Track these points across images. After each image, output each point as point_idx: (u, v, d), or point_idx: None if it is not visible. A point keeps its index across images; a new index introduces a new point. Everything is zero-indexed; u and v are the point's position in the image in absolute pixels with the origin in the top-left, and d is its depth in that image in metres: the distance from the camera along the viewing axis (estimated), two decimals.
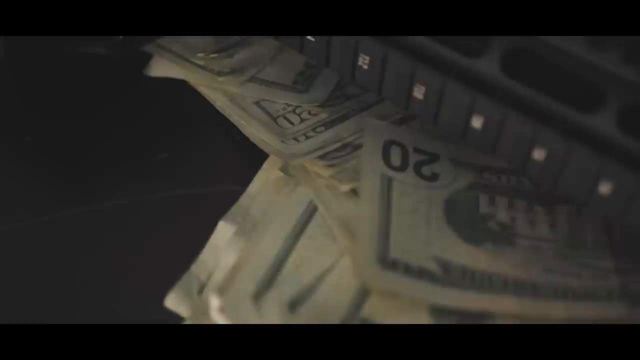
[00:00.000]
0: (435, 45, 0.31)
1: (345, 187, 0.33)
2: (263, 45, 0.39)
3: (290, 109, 0.37)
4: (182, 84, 0.38)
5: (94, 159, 0.36)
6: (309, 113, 0.37)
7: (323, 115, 0.36)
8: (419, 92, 0.32)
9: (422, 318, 0.29)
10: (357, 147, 0.35)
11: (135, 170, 0.35)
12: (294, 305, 0.30)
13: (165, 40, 0.39)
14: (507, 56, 0.30)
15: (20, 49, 0.35)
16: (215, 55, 0.38)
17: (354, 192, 0.33)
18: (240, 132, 0.36)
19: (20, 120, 0.37)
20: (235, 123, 0.36)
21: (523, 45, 0.30)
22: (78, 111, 0.37)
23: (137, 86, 0.38)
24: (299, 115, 0.36)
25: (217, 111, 0.37)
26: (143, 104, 0.38)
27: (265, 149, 0.35)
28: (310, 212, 0.33)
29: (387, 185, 0.33)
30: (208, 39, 0.39)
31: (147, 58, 0.39)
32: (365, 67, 0.33)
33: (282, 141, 0.35)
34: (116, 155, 0.36)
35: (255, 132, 0.36)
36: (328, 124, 0.36)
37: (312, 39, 0.34)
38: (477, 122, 0.31)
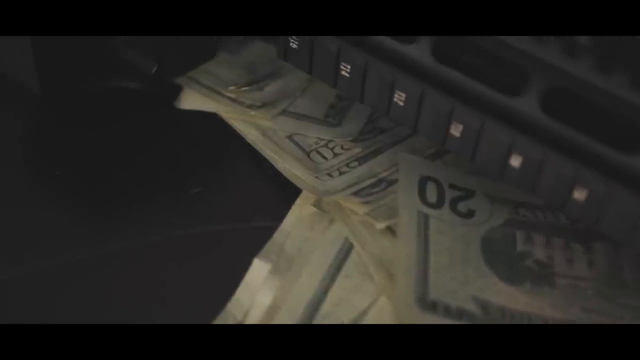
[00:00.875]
0: (474, 84, 0.31)
1: (381, 225, 0.33)
2: (294, 78, 0.39)
3: (322, 143, 0.37)
4: (212, 117, 0.38)
5: (125, 193, 0.36)
6: (342, 147, 0.37)
7: (356, 150, 0.36)
8: (456, 130, 0.32)
9: None
10: (392, 182, 0.35)
11: (167, 205, 0.35)
12: None
13: (196, 73, 0.39)
14: (547, 95, 0.30)
15: (53, 84, 0.35)
16: (247, 88, 0.39)
17: (390, 229, 0.33)
18: (272, 166, 0.36)
19: (51, 155, 0.37)
20: (267, 157, 0.36)
21: (563, 84, 0.30)
22: (109, 145, 0.37)
23: (167, 119, 0.38)
24: (331, 149, 0.37)
25: (249, 144, 0.37)
26: (174, 137, 0.38)
27: (299, 185, 0.35)
28: (346, 251, 0.33)
29: (424, 223, 0.33)
30: (239, 72, 0.39)
31: (177, 90, 0.39)
32: (401, 103, 0.33)
33: (315, 177, 0.35)
34: (148, 189, 0.36)
35: (288, 167, 0.36)
36: (361, 159, 0.36)
37: (347, 75, 0.34)
38: (515, 162, 0.31)
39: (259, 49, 0.40)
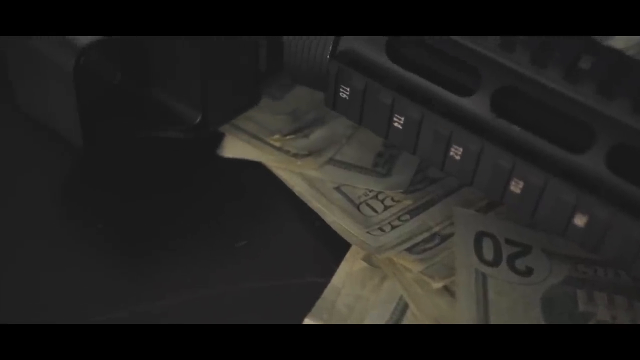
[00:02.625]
0: (537, 140, 0.30)
1: (437, 285, 0.32)
2: (339, 124, 0.39)
3: (372, 194, 0.36)
4: (256, 166, 0.38)
5: (169, 247, 0.35)
6: (393, 199, 0.36)
7: (407, 202, 0.36)
8: (516, 187, 0.31)
9: None
10: (446, 237, 0.34)
11: (212, 260, 0.35)
12: None
13: (239, 120, 0.38)
14: (613, 152, 0.29)
15: (95, 136, 0.35)
16: (292, 136, 0.38)
17: (447, 289, 0.32)
18: (319, 218, 0.36)
19: (92, 207, 0.36)
20: (315, 210, 0.36)
21: (630, 141, 0.29)
22: (151, 196, 0.37)
23: (210, 168, 0.38)
24: (381, 201, 0.36)
25: (295, 195, 0.36)
26: (217, 187, 0.37)
27: (349, 239, 0.35)
28: (401, 310, 0.32)
29: (482, 283, 0.32)
30: (283, 118, 0.39)
31: (220, 138, 0.38)
32: (458, 157, 0.32)
33: (367, 232, 0.34)
34: (192, 242, 0.35)
35: (338, 220, 0.35)
36: (413, 212, 0.35)
37: (400, 127, 0.33)
38: (580, 221, 0.30)
39: (302, 94, 0.40)
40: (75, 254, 0.35)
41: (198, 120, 0.36)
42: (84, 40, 0.31)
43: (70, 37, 0.31)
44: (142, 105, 0.36)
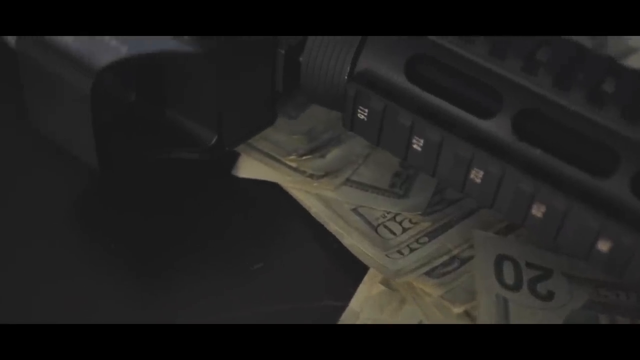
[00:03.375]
0: (559, 164, 0.30)
1: (458, 310, 0.32)
2: (356, 143, 0.38)
3: (390, 216, 0.36)
4: (272, 186, 0.37)
5: (183, 269, 0.35)
6: (410, 221, 0.36)
7: (425, 225, 0.35)
8: (538, 211, 0.31)
9: None
10: (465, 260, 0.34)
11: (228, 282, 0.35)
12: None
13: (254, 139, 0.38)
14: (638, 177, 0.29)
15: (111, 159, 0.34)
16: (308, 156, 0.38)
17: (467, 313, 0.32)
18: (336, 240, 0.35)
19: (106, 227, 0.36)
20: (332, 232, 0.35)
21: None
22: (165, 217, 0.37)
23: (225, 189, 0.38)
24: (400, 223, 0.36)
25: (311, 216, 0.36)
26: (232, 208, 0.37)
27: (367, 263, 0.34)
28: None
29: (503, 308, 0.32)
30: (299, 138, 0.38)
31: (235, 157, 0.38)
32: (478, 180, 0.32)
33: (385, 255, 0.34)
34: (206, 264, 0.35)
35: (356, 243, 0.35)
36: (431, 234, 0.35)
37: (419, 149, 0.33)
38: (604, 246, 0.30)
39: (318, 112, 0.39)
40: (89, 274, 0.35)
41: (214, 141, 0.36)
42: (100, 62, 0.31)
43: (86, 59, 0.31)
44: (157, 126, 0.36)
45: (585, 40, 0.43)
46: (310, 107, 0.40)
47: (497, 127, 0.31)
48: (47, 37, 0.32)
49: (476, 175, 0.32)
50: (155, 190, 0.38)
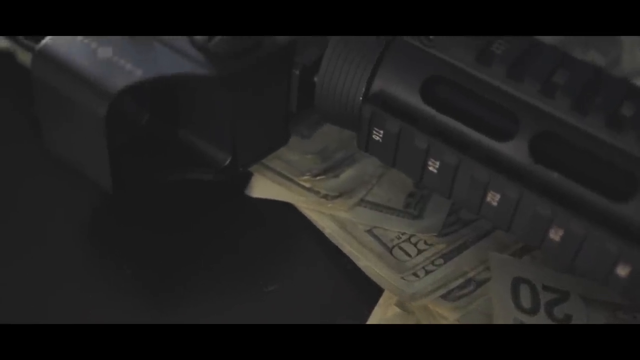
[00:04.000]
0: (577, 187, 0.30)
1: None
2: (369, 163, 0.38)
3: (405, 237, 0.36)
4: (286, 206, 0.37)
5: (198, 292, 0.35)
6: (426, 243, 0.35)
7: (440, 246, 0.35)
8: (555, 235, 0.31)
9: None
10: (481, 282, 0.34)
11: (243, 305, 0.34)
12: None
13: (267, 159, 0.38)
14: None
15: (125, 181, 0.34)
16: (322, 176, 0.38)
17: None
18: (350, 261, 0.35)
19: (120, 251, 0.36)
20: (346, 253, 0.35)
21: None
22: (179, 239, 0.36)
23: (238, 209, 0.37)
24: (415, 245, 0.35)
25: (325, 237, 0.36)
26: (246, 229, 0.37)
27: (382, 285, 0.34)
28: None
29: None
30: (312, 157, 0.38)
31: (248, 177, 0.38)
32: (495, 204, 0.32)
33: (401, 277, 0.34)
34: (221, 287, 0.35)
35: (371, 265, 0.35)
36: (447, 256, 0.35)
37: (435, 171, 0.33)
38: (623, 271, 0.29)
39: (331, 131, 0.39)
40: (102, 296, 0.35)
41: (228, 162, 0.35)
42: (115, 86, 0.31)
43: (102, 83, 0.31)
44: (171, 147, 0.36)
45: (598, 58, 0.43)
46: (323, 126, 0.40)
47: (514, 149, 0.31)
48: (62, 60, 0.32)
49: (493, 198, 0.32)
50: (167, 209, 0.37)
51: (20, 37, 0.39)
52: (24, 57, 0.41)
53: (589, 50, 0.43)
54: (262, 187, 0.38)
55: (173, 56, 0.32)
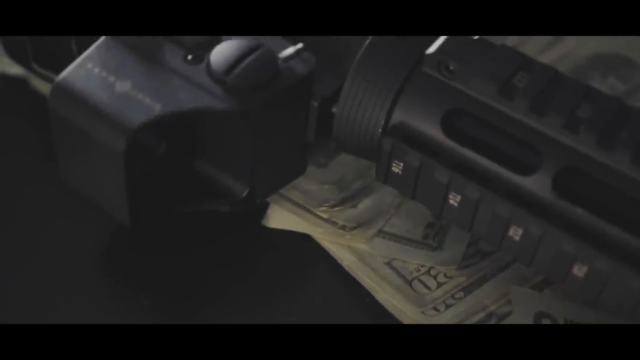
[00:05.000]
0: (602, 224, 0.30)
1: None
2: (387, 193, 0.38)
3: (424, 269, 0.35)
4: (304, 237, 0.37)
5: (212, 320, 0.34)
6: (446, 275, 0.35)
7: (461, 279, 0.35)
8: (580, 271, 0.30)
9: None
10: (502, 317, 0.34)
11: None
12: None
13: (285, 189, 0.37)
14: None
15: (143, 214, 0.34)
16: (340, 207, 0.37)
17: None
18: (369, 294, 0.35)
19: (138, 282, 0.36)
20: (365, 286, 0.35)
21: None
22: (197, 271, 0.36)
23: (255, 240, 0.37)
24: (434, 277, 0.35)
25: (343, 269, 0.36)
26: (263, 261, 0.37)
27: (402, 319, 0.34)
28: None
29: None
30: (330, 187, 0.38)
31: (265, 207, 0.38)
32: (517, 238, 0.31)
33: (421, 312, 0.34)
34: (237, 317, 0.35)
35: (390, 298, 0.34)
36: (467, 289, 0.35)
37: (455, 204, 0.32)
38: None
39: (348, 160, 0.39)
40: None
41: (245, 193, 0.35)
42: (134, 121, 0.31)
43: (120, 118, 0.31)
44: (188, 178, 0.36)
45: (617, 85, 0.43)
46: (340, 155, 0.39)
47: (537, 184, 0.31)
48: (79, 94, 0.31)
49: (515, 232, 0.31)
50: (184, 239, 0.37)
51: (35, 65, 0.39)
52: (38, 84, 0.41)
53: (608, 77, 0.42)
54: (279, 218, 0.37)
55: (191, 89, 0.32)
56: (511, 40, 0.43)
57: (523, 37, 0.44)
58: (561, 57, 0.43)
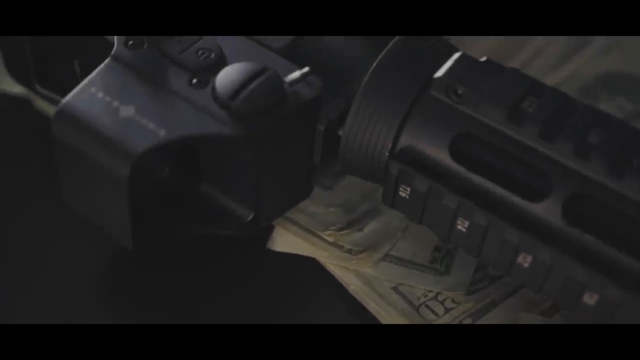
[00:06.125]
0: (613, 252, 0.29)
1: None
2: (393, 216, 0.37)
3: (431, 295, 0.35)
4: (309, 261, 0.36)
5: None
6: (453, 301, 0.35)
7: (468, 305, 0.35)
8: (590, 299, 0.30)
9: None
10: None
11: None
12: None
13: (290, 212, 0.37)
14: None
15: (146, 238, 0.34)
16: (347, 231, 0.37)
17: None
18: (375, 319, 0.35)
19: (141, 305, 0.35)
20: (372, 311, 0.35)
21: None
22: (197, 292, 0.36)
23: (260, 264, 0.37)
24: (442, 303, 0.35)
25: (349, 293, 0.35)
26: (268, 285, 0.36)
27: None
28: None
29: None
30: (336, 210, 0.38)
31: (269, 230, 0.37)
32: (526, 265, 0.31)
33: None
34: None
35: (397, 324, 0.34)
36: (475, 315, 0.34)
37: (464, 230, 0.32)
38: None
39: (354, 182, 0.38)
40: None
41: (250, 217, 0.35)
42: (138, 147, 0.30)
43: (124, 144, 0.30)
44: (192, 202, 0.35)
45: (626, 105, 0.42)
46: (346, 177, 0.39)
47: (547, 211, 0.30)
48: (83, 119, 0.31)
49: (524, 259, 0.31)
50: (187, 261, 0.37)
51: (37, 86, 0.39)
52: (41, 104, 0.41)
53: (615, 97, 0.42)
54: (285, 241, 0.37)
55: (196, 114, 0.32)
56: (520, 58, 0.43)
57: (531, 55, 0.43)
58: (569, 76, 0.43)
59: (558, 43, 0.44)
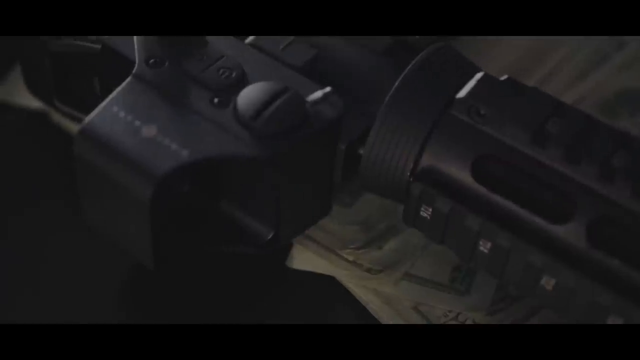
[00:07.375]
0: (637, 275, 0.29)
1: None
2: (413, 234, 0.37)
3: (452, 315, 0.35)
4: (328, 279, 0.36)
5: None
6: (474, 321, 0.35)
7: None
8: (614, 322, 0.30)
9: None
10: None
11: None
12: None
13: (309, 230, 0.37)
14: None
15: (167, 258, 0.33)
16: (366, 249, 0.37)
17: None
18: None
19: (158, 322, 0.35)
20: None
21: None
22: (216, 310, 0.36)
23: (278, 281, 0.37)
24: (462, 324, 0.34)
25: (369, 312, 0.35)
26: (287, 303, 0.36)
27: None
28: None
29: None
30: (355, 228, 0.37)
31: (288, 248, 0.37)
32: (550, 288, 0.31)
33: None
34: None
35: None
36: None
37: (486, 251, 0.32)
38: None
39: (373, 200, 0.38)
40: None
41: (270, 236, 0.35)
42: (161, 169, 0.30)
43: (147, 165, 0.30)
44: (212, 220, 0.35)
45: None
46: (365, 194, 0.39)
47: (571, 233, 0.30)
48: (105, 139, 0.31)
49: (548, 282, 0.31)
50: (206, 279, 0.37)
51: (56, 102, 0.39)
52: (59, 119, 0.41)
53: (636, 114, 0.42)
54: (304, 259, 0.37)
55: (218, 135, 0.31)
56: (539, 74, 0.43)
57: (550, 71, 0.43)
58: (588, 93, 0.43)
59: (577, 59, 0.44)
